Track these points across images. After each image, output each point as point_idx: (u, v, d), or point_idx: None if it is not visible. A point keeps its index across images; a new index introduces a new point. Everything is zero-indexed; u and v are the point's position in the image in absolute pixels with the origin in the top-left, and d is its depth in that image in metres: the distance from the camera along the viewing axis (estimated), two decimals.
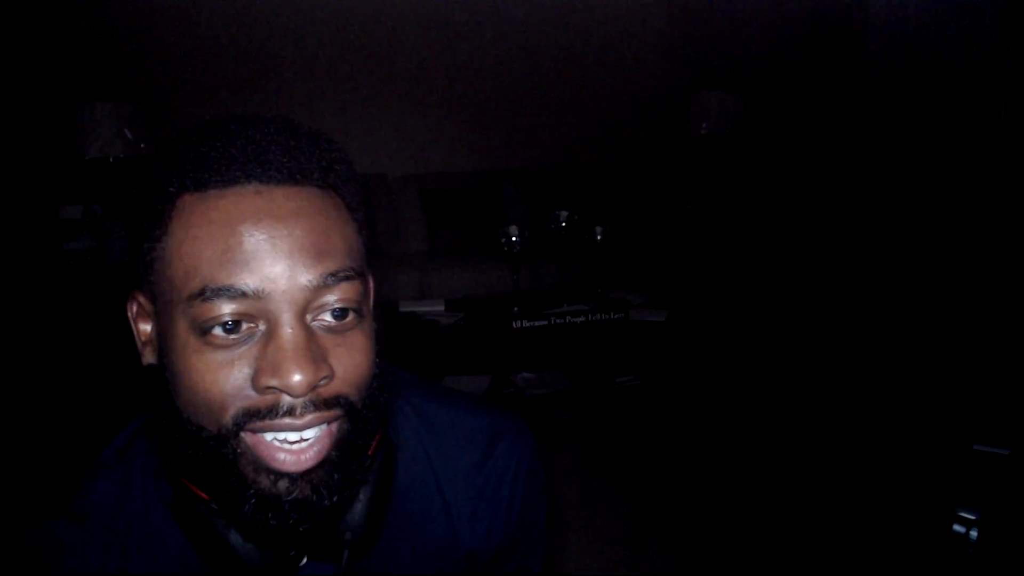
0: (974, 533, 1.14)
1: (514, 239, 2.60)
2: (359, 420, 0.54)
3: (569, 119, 4.38)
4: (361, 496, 0.57)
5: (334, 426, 0.52)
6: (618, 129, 4.44)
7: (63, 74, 3.45)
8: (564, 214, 2.88)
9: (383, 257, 3.77)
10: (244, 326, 0.49)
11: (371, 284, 0.58)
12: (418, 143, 4.17)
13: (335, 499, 0.52)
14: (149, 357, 0.56)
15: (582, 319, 2.66)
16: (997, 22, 3.02)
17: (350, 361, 0.52)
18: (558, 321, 2.64)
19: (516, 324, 2.60)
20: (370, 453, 0.57)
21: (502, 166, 4.25)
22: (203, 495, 0.53)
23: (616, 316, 2.71)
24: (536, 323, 2.61)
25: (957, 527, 1.15)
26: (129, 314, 0.58)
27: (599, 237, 2.78)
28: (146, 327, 0.57)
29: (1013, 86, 2.96)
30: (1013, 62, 2.94)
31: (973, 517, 1.15)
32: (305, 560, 0.60)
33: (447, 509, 0.66)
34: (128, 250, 3.40)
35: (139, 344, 0.57)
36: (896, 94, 3.67)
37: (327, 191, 0.55)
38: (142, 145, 3.28)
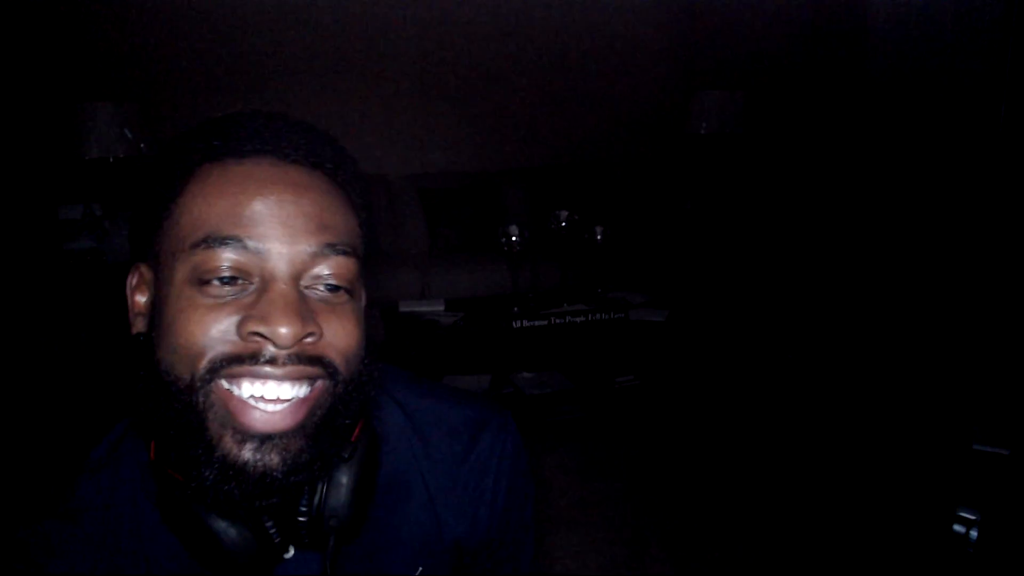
0: (974, 533, 1.14)
1: (514, 239, 2.60)
2: (340, 392, 0.54)
3: (569, 119, 4.37)
4: (344, 481, 0.57)
5: (314, 392, 0.53)
6: (618, 129, 4.44)
7: (63, 74, 3.45)
8: (564, 214, 2.88)
9: (383, 257, 3.76)
10: (239, 281, 0.51)
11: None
12: (418, 143, 4.17)
13: (300, 476, 0.51)
14: (139, 326, 0.57)
15: (582, 319, 2.66)
16: (997, 22, 3.02)
17: (339, 328, 0.54)
18: (558, 321, 2.64)
19: (516, 324, 2.60)
20: (352, 439, 0.57)
21: (502, 166, 4.25)
22: (179, 477, 0.52)
23: (616, 316, 2.71)
24: (536, 323, 2.61)
25: (957, 527, 1.15)
26: (128, 287, 0.59)
27: (599, 237, 2.78)
28: (141, 298, 0.58)
29: (1013, 86, 2.96)
30: (1013, 62, 2.94)
31: (973, 517, 1.15)
32: (292, 552, 0.59)
33: (431, 500, 0.67)
34: (129, 250, 3.40)
35: (131, 315, 0.58)
36: (896, 94, 3.67)
37: (336, 185, 0.57)
38: (142, 145, 3.27)
